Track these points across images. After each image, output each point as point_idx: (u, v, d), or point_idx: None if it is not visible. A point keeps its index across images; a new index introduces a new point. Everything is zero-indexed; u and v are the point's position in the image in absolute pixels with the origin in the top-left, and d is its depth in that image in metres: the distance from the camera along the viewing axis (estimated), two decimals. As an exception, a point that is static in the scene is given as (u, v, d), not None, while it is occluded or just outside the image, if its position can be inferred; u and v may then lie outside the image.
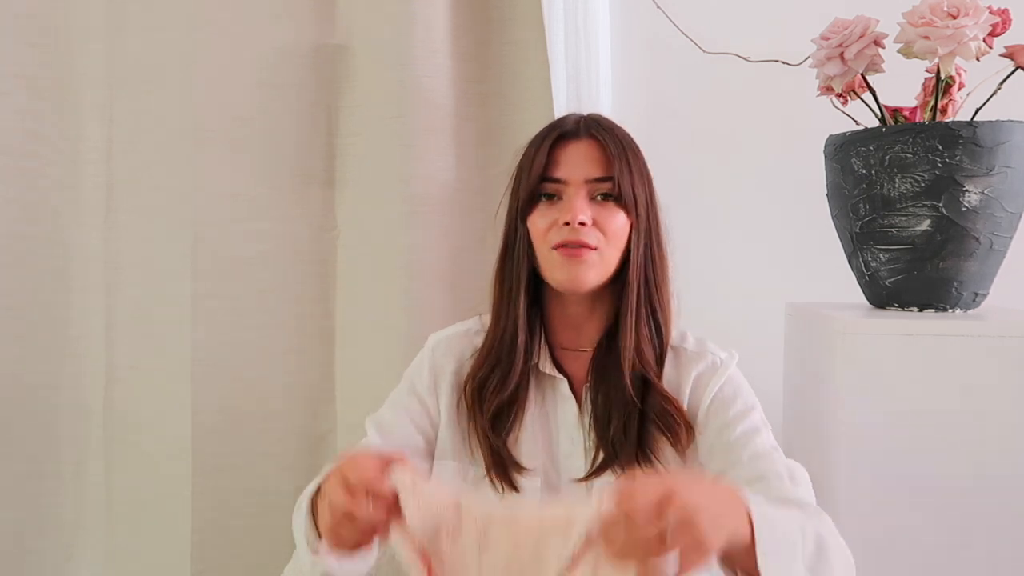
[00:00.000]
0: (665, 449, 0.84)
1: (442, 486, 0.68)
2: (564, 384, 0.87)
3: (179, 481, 1.26)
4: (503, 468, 0.84)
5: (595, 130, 0.85)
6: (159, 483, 1.28)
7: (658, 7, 1.28)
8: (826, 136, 1.07)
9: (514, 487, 0.84)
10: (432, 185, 1.24)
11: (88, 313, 1.31)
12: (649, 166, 0.89)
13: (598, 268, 0.83)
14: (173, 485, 1.26)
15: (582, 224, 0.81)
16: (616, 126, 0.88)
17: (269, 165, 1.28)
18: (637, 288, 0.84)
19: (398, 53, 1.22)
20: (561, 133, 0.85)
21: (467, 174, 1.27)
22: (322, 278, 1.32)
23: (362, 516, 0.63)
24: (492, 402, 0.85)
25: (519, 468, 0.84)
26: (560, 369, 0.88)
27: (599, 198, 0.84)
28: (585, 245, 0.81)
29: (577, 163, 0.84)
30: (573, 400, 0.87)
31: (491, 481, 0.84)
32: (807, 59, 1.03)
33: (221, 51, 1.24)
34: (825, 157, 1.07)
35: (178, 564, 1.26)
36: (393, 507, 0.64)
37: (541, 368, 0.87)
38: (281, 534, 1.30)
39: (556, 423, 0.87)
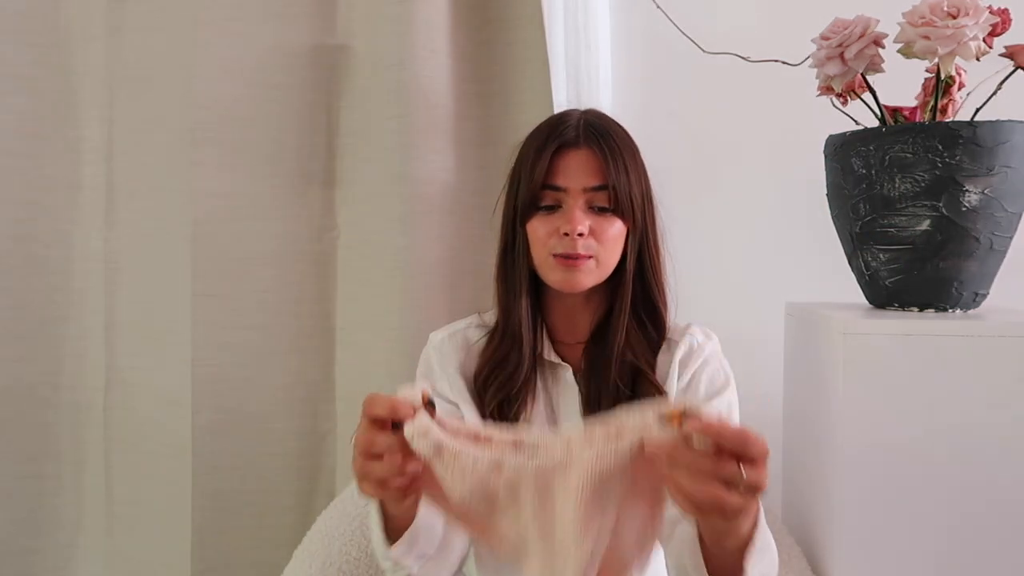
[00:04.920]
0: None
1: (468, 444, 0.60)
2: (568, 372, 0.90)
3: (179, 481, 1.26)
4: None
5: (594, 138, 0.86)
6: (159, 483, 1.28)
7: (658, 7, 1.28)
8: (826, 136, 1.07)
9: None
10: (432, 185, 1.24)
11: (88, 313, 1.31)
12: (647, 166, 0.90)
13: (595, 273, 0.86)
14: (173, 485, 1.27)
15: (580, 235, 0.84)
16: (614, 127, 0.89)
17: (269, 165, 1.28)
18: (632, 286, 0.88)
19: (398, 53, 1.22)
20: (562, 143, 0.87)
21: (467, 174, 1.28)
22: (322, 278, 1.32)
23: (386, 445, 0.60)
24: (503, 391, 0.87)
25: None
26: (563, 359, 0.91)
27: (596, 208, 0.86)
28: (581, 256, 0.84)
29: (576, 172, 0.86)
30: (576, 387, 0.89)
31: None
32: (807, 59, 1.03)
33: (221, 51, 1.25)
34: (825, 157, 1.07)
35: (178, 564, 1.27)
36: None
37: (546, 357, 0.90)
38: (281, 534, 1.31)
39: (560, 408, 0.90)
